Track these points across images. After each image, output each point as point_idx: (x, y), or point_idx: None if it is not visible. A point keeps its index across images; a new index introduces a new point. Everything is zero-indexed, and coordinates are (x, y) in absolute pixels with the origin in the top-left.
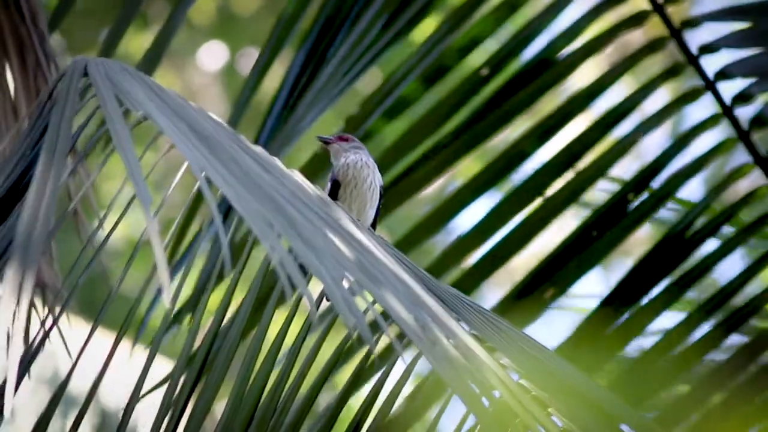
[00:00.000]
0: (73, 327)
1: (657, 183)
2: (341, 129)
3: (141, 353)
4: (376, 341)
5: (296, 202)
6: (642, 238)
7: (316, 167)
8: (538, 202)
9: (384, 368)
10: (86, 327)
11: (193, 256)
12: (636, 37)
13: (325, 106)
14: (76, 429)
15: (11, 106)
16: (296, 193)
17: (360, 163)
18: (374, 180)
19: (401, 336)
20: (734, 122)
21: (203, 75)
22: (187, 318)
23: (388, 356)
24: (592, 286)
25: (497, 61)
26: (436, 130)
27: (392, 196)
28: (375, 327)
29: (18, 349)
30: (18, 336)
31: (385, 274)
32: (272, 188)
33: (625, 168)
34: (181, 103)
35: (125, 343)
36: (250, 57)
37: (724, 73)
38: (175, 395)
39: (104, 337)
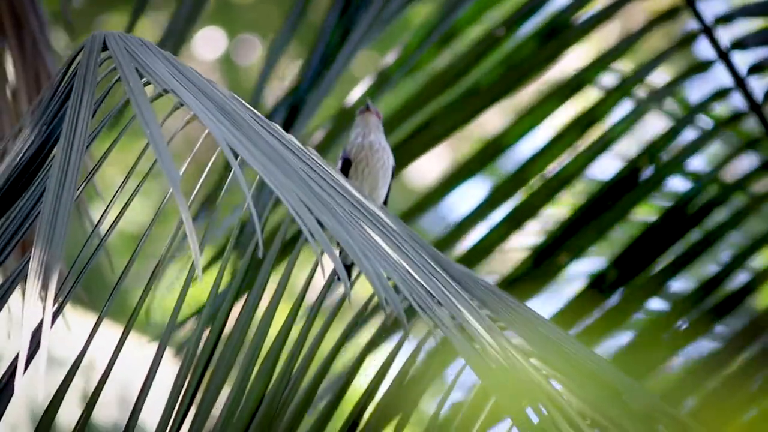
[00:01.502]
0: (69, 313)
1: (665, 156)
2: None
3: (124, 335)
4: (387, 318)
5: (318, 178)
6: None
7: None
8: (537, 182)
9: (395, 345)
10: (79, 312)
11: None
12: (639, 14)
13: (385, 24)
14: (87, 420)
15: (9, 89)
16: (317, 169)
17: (377, 146)
18: (387, 161)
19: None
20: (747, 94)
21: (200, 63)
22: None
23: (392, 337)
24: (584, 267)
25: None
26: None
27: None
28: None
29: (45, 340)
30: (47, 325)
31: (401, 251)
32: (298, 166)
33: (631, 143)
34: (201, 79)
35: (115, 329)
36: (248, 44)
37: (741, 44)
38: (185, 385)
39: (92, 322)
